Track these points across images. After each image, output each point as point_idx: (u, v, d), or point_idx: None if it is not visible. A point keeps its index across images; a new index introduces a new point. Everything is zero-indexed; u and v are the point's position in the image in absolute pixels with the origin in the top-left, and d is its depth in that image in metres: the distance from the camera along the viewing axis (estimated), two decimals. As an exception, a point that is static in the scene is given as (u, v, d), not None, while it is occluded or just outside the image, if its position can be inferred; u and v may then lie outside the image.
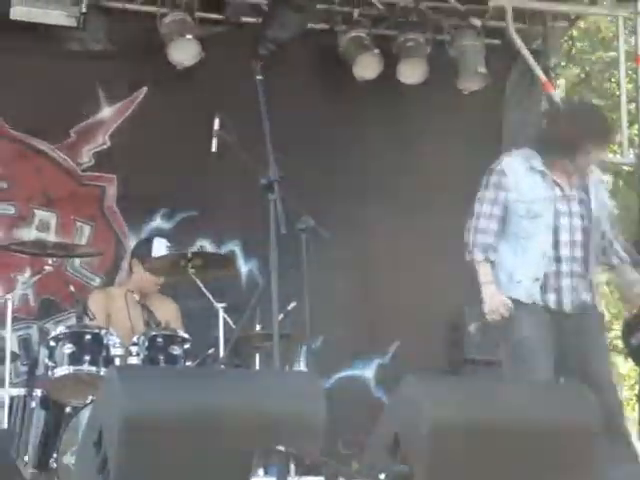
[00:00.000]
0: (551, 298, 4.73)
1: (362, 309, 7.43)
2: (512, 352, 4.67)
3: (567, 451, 3.64)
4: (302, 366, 5.85)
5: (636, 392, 5.16)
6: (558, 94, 8.91)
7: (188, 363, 5.32)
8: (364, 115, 7.80)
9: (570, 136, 4.73)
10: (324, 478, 3.46)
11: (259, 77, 4.57)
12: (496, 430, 3.57)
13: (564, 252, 4.75)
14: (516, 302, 4.67)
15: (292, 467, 3.29)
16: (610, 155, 10.08)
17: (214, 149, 5.06)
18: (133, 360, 5.21)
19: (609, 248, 4.96)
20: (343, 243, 6.48)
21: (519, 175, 4.81)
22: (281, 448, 3.19)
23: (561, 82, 12.22)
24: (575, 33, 11.53)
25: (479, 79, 7.89)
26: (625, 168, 9.38)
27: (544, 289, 4.73)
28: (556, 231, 4.77)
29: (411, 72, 7.81)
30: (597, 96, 12.51)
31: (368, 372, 7.42)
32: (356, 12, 7.78)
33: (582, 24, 11.26)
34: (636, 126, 9.28)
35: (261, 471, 3.21)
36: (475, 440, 3.53)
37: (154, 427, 3.12)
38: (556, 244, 4.75)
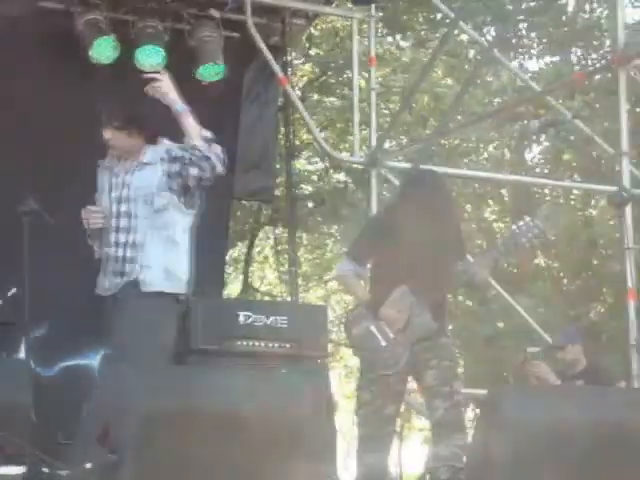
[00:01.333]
0: None
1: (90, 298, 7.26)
2: None
3: (277, 436, 3.69)
4: (22, 354, 5.65)
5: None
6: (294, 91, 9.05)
7: None
8: (97, 99, 7.62)
9: None
10: (26, 468, 3.35)
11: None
12: (207, 418, 3.57)
13: None
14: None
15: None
16: (343, 154, 10.43)
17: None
18: None
19: None
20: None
21: None
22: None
23: (298, 79, 12.51)
24: (314, 32, 11.79)
25: (216, 70, 7.92)
26: (355, 167, 9.63)
27: None
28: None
29: (149, 59, 7.74)
30: (332, 95, 12.90)
31: (93, 361, 7.28)
32: (93, -6, 7.62)
33: (321, 24, 11.58)
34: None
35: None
36: (186, 428, 3.52)
37: None
38: None
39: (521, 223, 4.99)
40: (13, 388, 3.23)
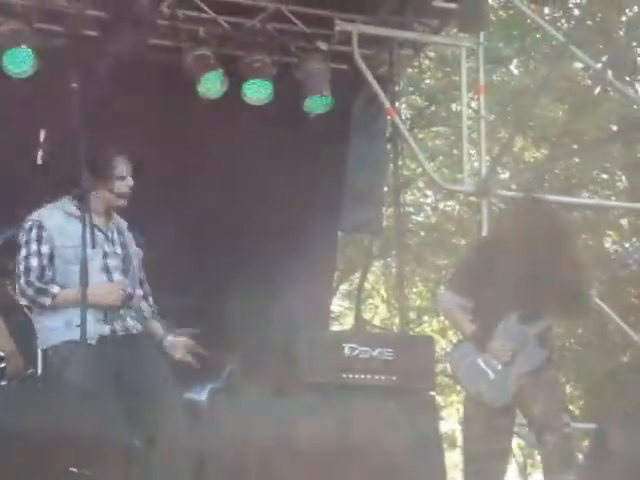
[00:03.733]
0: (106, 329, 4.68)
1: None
2: None
3: (378, 469, 3.61)
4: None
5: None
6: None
7: (3, 382, 5.10)
8: (207, 134, 7.72)
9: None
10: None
11: (74, 85, 4.43)
12: (305, 450, 3.51)
13: None
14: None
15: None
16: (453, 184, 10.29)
17: (39, 161, 4.91)
18: (-58, 378, 4.96)
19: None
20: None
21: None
22: (74, 469, 3.07)
23: (406, 109, 12.45)
24: (422, 62, 11.72)
25: (324, 103, 7.93)
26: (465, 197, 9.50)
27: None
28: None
29: (257, 93, 7.80)
30: (440, 125, 12.80)
31: (202, 396, 7.30)
32: (201, 30, 7.71)
33: (429, 53, 11.50)
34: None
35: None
36: (281, 460, 3.47)
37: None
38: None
39: (628, 245, 4.89)
40: (107, 421, 3.21)
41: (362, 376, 6.00)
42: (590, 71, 11.45)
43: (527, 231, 4.94)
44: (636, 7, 12.24)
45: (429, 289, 16.06)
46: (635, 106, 11.22)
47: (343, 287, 15.42)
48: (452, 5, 8.00)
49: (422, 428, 5.62)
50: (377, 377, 6.01)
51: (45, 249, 4.71)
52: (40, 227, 4.78)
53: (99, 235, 4.70)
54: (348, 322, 16.14)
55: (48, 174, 5.04)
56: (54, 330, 4.65)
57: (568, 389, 14.28)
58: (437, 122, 13.34)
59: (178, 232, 7.07)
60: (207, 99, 7.62)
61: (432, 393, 6.30)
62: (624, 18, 12.85)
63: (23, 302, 4.79)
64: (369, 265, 14.83)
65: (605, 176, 14.31)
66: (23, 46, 6.98)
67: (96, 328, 4.59)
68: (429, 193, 14.30)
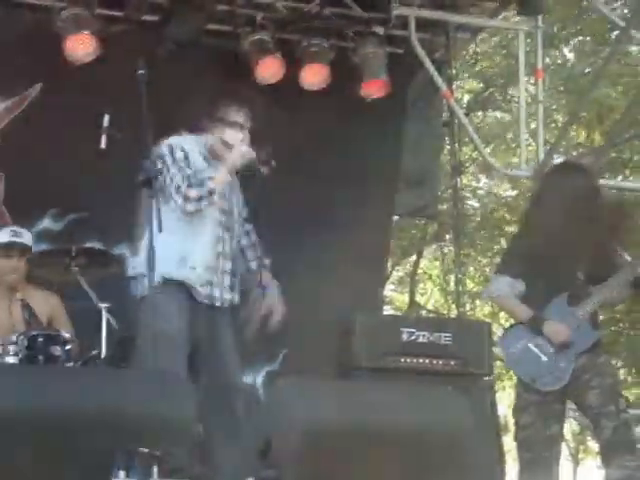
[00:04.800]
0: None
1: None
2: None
3: (437, 453, 3.63)
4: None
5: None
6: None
7: (70, 364, 5.20)
8: (265, 119, 7.74)
9: None
10: (187, 482, 3.39)
11: (141, 71, 4.48)
12: (367, 433, 3.54)
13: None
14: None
15: (155, 470, 3.22)
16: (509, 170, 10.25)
17: (103, 146, 4.97)
18: (10, 360, 5.07)
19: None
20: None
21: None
22: (144, 450, 3.13)
23: (463, 94, 12.41)
24: (478, 47, 11.68)
25: (381, 87, 7.93)
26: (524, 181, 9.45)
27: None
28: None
29: (313, 77, 7.82)
30: (497, 110, 12.73)
31: (257, 379, 7.37)
32: (259, 15, 7.74)
33: (486, 38, 11.44)
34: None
35: (122, 473, 3.13)
36: (346, 444, 3.50)
37: None
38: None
39: None
40: (174, 402, 3.27)
41: (420, 360, 6.02)
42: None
43: (571, 194, 4.86)
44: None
45: (482, 274, 16.02)
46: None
47: (395, 272, 15.41)
48: (510, -12, 7.95)
49: (480, 413, 5.64)
50: (435, 362, 6.03)
51: None
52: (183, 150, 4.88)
53: None
54: (400, 306, 16.14)
55: (111, 159, 5.12)
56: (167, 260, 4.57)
57: (622, 375, 14.19)
58: (493, 106, 13.27)
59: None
60: (265, 84, 7.63)
61: (490, 378, 6.31)
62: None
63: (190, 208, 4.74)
64: (423, 250, 14.82)
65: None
66: (85, 31, 7.04)
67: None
68: (483, 178, 14.24)
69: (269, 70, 7.68)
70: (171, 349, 4.39)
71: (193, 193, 4.69)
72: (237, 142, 4.91)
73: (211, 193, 4.73)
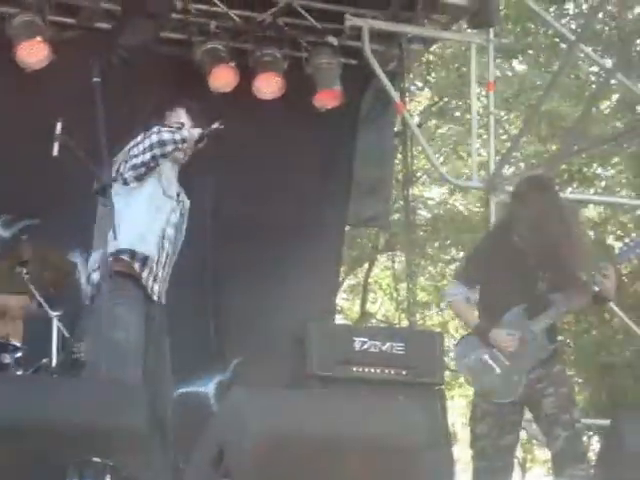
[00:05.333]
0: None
1: (205, 325, 7.36)
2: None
3: (391, 462, 3.64)
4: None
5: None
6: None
7: (19, 372, 5.15)
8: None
9: None
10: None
11: (96, 79, 4.46)
12: (321, 442, 3.54)
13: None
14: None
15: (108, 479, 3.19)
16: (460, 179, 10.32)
17: (55, 153, 4.93)
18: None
19: None
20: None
21: None
22: (97, 460, 3.11)
23: (415, 105, 12.48)
24: (431, 58, 11.77)
25: (334, 97, 7.96)
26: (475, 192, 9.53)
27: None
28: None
29: (267, 87, 7.83)
30: (449, 121, 12.81)
31: (209, 387, 7.34)
32: (213, 24, 7.73)
33: (438, 50, 11.52)
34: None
35: (75, 482, 3.10)
36: (300, 453, 3.49)
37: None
38: None
39: (629, 240, 4.91)
40: (127, 413, 3.25)
41: (372, 370, 6.04)
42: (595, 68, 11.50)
43: (535, 215, 4.91)
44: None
45: (433, 284, 16.10)
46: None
47: (347, 280, 15.43)
48: (462, 1, 8.02)
49: (432, 422, 5.66)
50: (387, 371, 6.05)
51: None
52: None
53: None
54: (350, 315, 16.17)
55: (64, 166, 5.07)
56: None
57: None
58: (446, 117, 13.35)
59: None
60: (218, 93, 7.62)
61: (441, 387, 6.34)
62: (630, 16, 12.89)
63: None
64: (375, 259, 14.87)
65: (611, 172, 14.35)
66: (37, 38, 6.99)
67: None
68: (435, 188, 14.33)
69: (222, 79, 7.68)
70: (127, 359, 4.36)
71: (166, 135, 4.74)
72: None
73: (183, 140, 4.78)
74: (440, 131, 13.49)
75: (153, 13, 7.15)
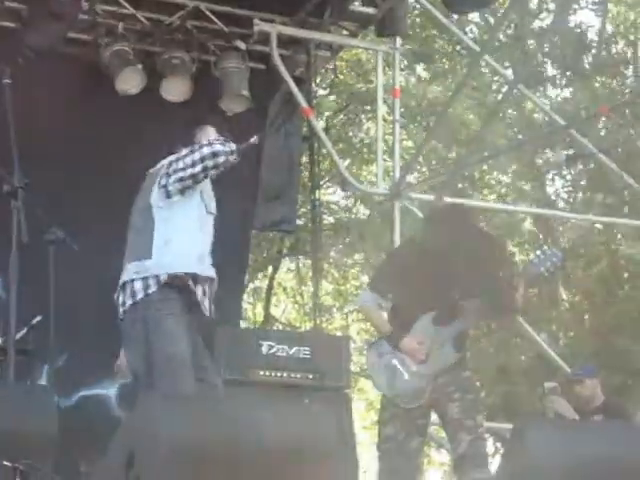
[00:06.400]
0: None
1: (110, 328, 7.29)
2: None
3: (300, 466, 3.67)
4: (44, 382, 5.67)
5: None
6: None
7: None
8: (125, 129, 7.69)
9: None
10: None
11: (6, 81, 4.41)
12: (232, 448, 3.56)
13: None
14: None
15: (18, 483, 3.17)
16: (366, 185, 10.44)
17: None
18: None
19: None
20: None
21: None
22: (6, 463, 3.08)
23: (322, 110, 12.56)
24: (338, 64, 11.85)
25: (242, 101, 7.98)
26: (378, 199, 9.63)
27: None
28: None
29: (174, 89, 7.81)
30: (356, 127, 12.93)
31: (111, 391, 7.30)
32: (120, 26, 7.69)
33: (345, 56, 11.61)
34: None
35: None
36: (211, 458, 3.51)
37: None
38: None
39: (539, 252, 5.02)
40: (38, 416, 3.23)
41: (279, 374, 6.08)
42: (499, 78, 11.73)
43: (448, 237, 5.04)
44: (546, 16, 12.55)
45: (336, 287, 16.22)
46: (539, 115, 11.50)
47: (251, 284, 15.44)
48: (370, 10, 8.11)
49: (338, 426, 5.71)
50: (294, 375, 6.10)
51: None
52: None
53: None
54: (252, 318, 16.18)
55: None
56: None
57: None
58: (352, 123, 13.47)
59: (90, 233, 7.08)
60: (125, 95, 7.58)
61: (347, 391, 6.41)
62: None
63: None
64: (279, 263, 14.91)
65: (508, 180, 14.66)
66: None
67: None
68: (340, 193, 14.44)
69: (130, 81, 7.63)
70: (180, 372, 4.41)
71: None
72: None
73: (233, 152, 4.80)
74: (347, 136, 13.59)
75: (59, 14, 7.07)
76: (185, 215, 4.69)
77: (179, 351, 4.45)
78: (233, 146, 4.81)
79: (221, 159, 4.73)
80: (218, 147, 4.73)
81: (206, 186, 4.82)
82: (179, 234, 4.62)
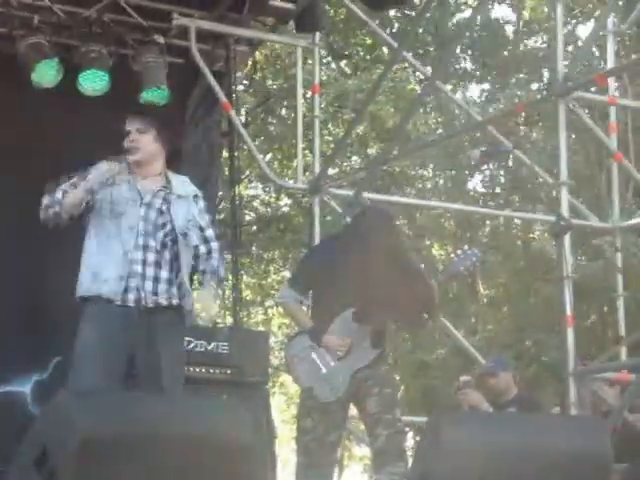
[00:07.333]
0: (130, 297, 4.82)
1: (25, 325, 7.22)
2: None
3: (217, 462, 3.68)
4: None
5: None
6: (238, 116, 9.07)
7: None
8: (42, 124, 7.59)
9: None
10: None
11: None
12: (147, 443, 3.55)
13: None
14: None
15: None
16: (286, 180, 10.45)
17: None
18: None
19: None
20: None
21: None
22: None
23: (242, 104, 12.53)
24: (258, 59, 11.87)
25: (161, 96, 7.93)
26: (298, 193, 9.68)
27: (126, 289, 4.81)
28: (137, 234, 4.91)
29: (92, 83, 7.73)
30: (276, 121, 12.93)
31: (26, 388, 7.21)
32: (36, 18, 7.58)
33: (264, 51, 11.62)
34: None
35: None
36: (125, 454, 3.49)
37: None
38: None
39: (459, 252, 5.12)
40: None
41: (197, 369, 6.06)
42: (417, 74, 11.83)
43: (361, 235, 5.10)
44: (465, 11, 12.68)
45: (257, 281, 16.22)
46: (457, 112, 11.64)
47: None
48: (289, 5, 8.12)
49: (256, 420, 5.73)
50: (212, 370, 6.09)
51: None
52: None
53: None
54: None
55: None
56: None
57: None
58: (272, 118, 13.46)
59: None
60: (42, 88, 7.48)
61: (266, 387, 6.43)
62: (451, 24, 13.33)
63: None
64: (199, 258, 14.82)
65: (427, 175, 14.80)
66: None
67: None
68: (260, 187, 14.44)
69: (45, 74, 7.53)
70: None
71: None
72: None
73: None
74: (267, 131, 13.59)
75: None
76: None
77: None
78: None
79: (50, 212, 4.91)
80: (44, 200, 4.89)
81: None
82: None
